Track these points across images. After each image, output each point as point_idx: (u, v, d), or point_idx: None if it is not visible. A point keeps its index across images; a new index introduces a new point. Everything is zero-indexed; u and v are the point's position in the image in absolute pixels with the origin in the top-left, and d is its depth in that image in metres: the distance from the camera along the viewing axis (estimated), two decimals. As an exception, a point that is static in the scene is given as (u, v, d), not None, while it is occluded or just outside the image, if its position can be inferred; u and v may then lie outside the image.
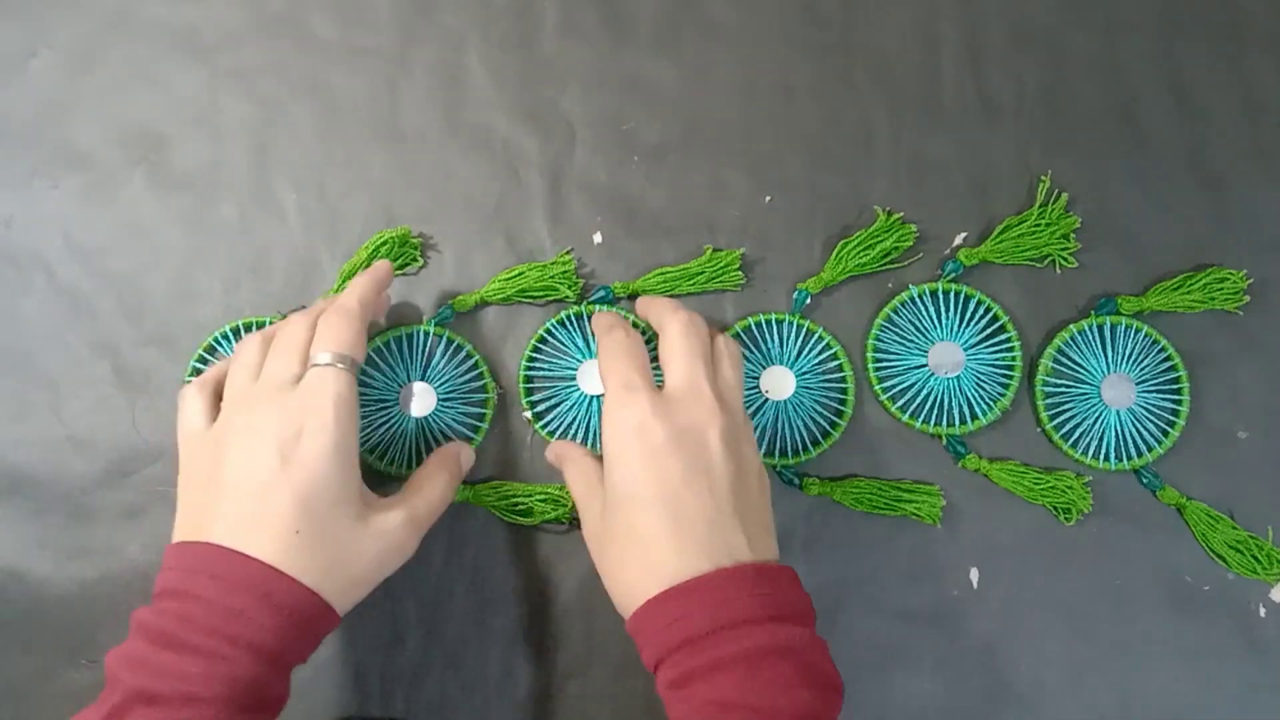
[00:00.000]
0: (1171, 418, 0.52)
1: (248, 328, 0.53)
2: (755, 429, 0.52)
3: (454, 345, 0.52)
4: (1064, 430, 0.52)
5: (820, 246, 0.54)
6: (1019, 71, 0.55)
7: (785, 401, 0.52)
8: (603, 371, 0.46)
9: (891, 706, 0.51)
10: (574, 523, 0.50)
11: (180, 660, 0.38)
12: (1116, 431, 0.52)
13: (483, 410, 0.52)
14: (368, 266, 0.52)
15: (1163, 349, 0.52)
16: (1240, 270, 0.53)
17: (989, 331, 0.53)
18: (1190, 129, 0.55)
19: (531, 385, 0.52)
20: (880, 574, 0.51)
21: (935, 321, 0.53)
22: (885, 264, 0.53)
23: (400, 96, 0.55)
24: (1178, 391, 0.52)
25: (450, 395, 0.52)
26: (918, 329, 0.53)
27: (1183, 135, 0.55)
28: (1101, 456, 0.52)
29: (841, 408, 0.52)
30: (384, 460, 0.51)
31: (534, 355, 0.52)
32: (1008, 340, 0.52)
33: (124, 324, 0.53)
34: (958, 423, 0.52)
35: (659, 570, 0.41)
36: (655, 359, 0.48)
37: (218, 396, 0.46)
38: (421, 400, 0.52)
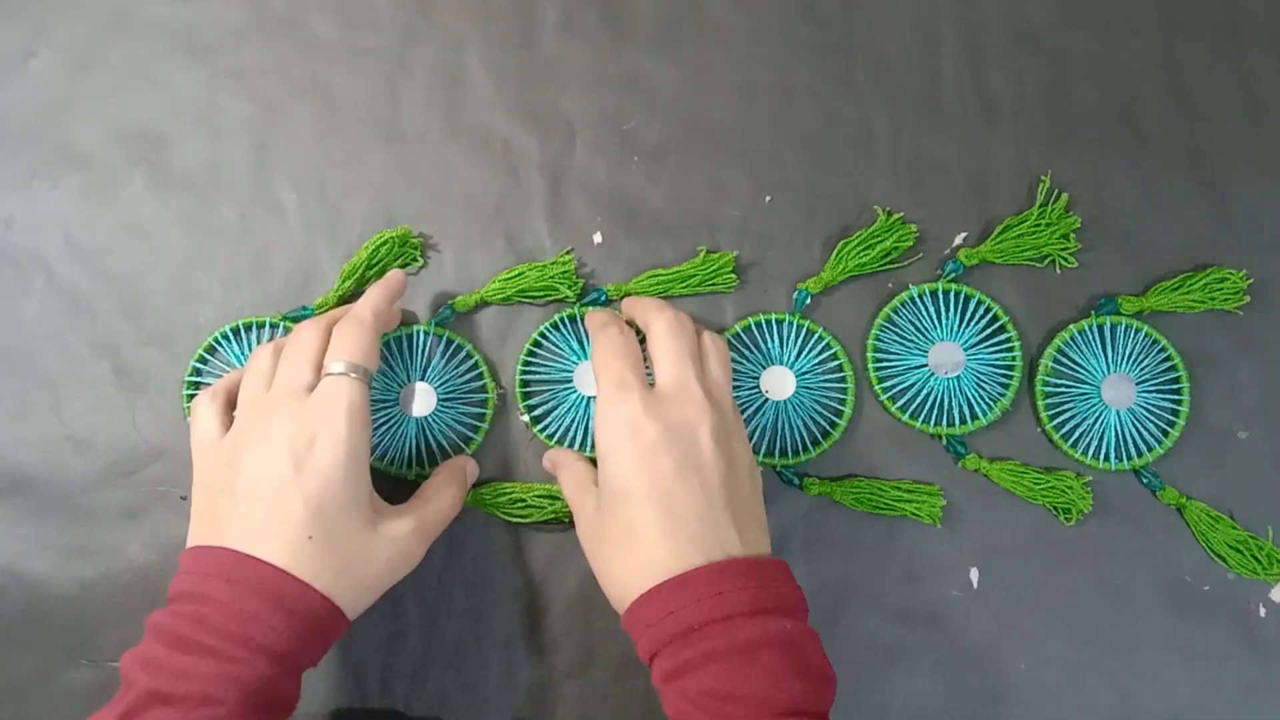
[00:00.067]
0: (1171, 418, 0.52)
1: (248, 328, 0.53)
2: (755, 429, 0.52)
3: (454, 345, 0.52)
4: (1064, 430, 0.52)
5: (820, 246, 0.54)
6: (1019, 71, 0.55)
7: (785, 401, 0.52)
8: (595, 369, 0.46)
9: (891, 706, 0.51)
10: (573, 521, 0.50)
11: (194, 662, 0.39)
12: (1116, 431, 0.52)
13: (483, 410, 0.52)
14: (369, 267, 0.52)
15: (1163, 349, 0.52)
16: (1240, 270, 0.53)
17: (989, 331, 0.53)
18: (1190, 129, 0.55)
19: (528, 390, 0.52)
20: (880, 574, 0.51)
21: (935, 321, 0.53)
22: (885, 264, 0.53)
23: (400, 96, 0.55)
24: (1178, 391, 0.52)
25: (450, 395, 0.52)
26: (918, 329, 0.53)
27: (1183, 135, 0.55)
28: (1101, 456, 0.52)
29: (841, 408, 0.52)
30: (384, 460, 0.51)
31: (529, 359, 0.52)
32: (1008, 340, 0.52)
33: (124, 324, 0.53)
34: (958, 423, 0.52)
35: (652, 565, 0.41)
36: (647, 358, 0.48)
37: (230, 405, 0.47)
38: (422, 400, 0.52)
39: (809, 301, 0.53)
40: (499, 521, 0.51)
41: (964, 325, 0.53)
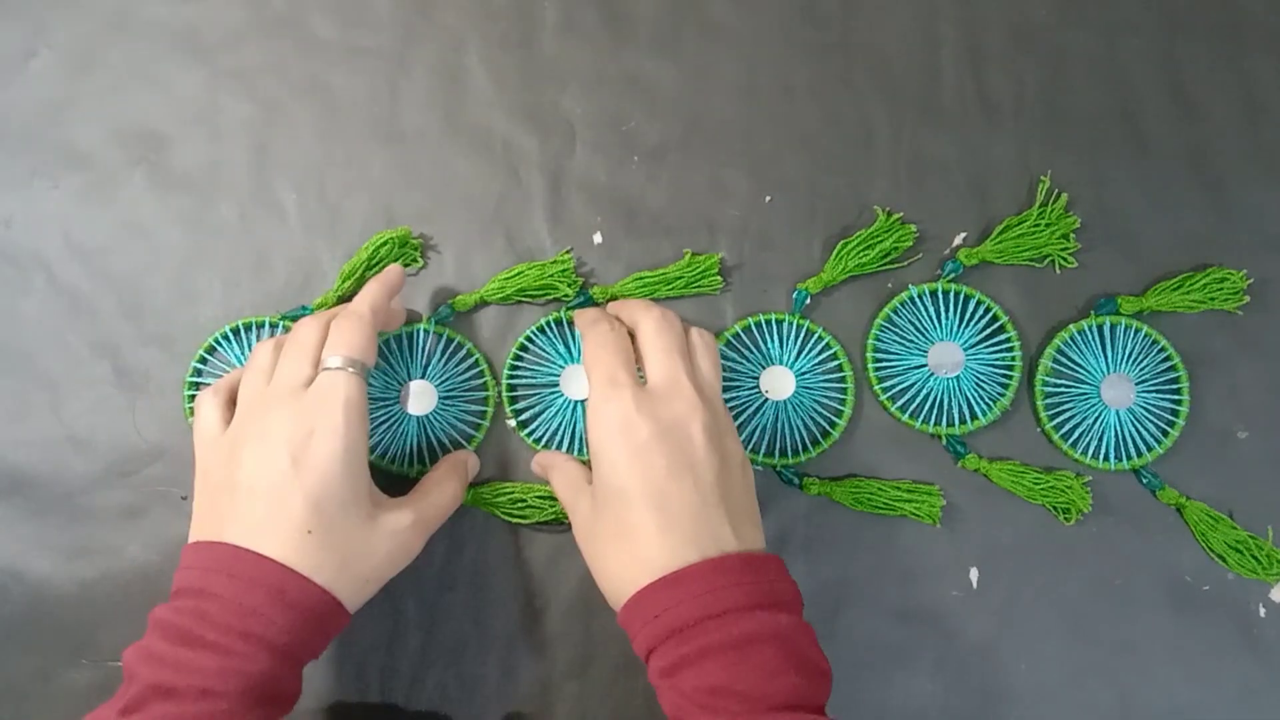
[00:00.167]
0: (1171, 418, 0.52)
1: (247, 328, 0.53)
2: (755, 429, 0.52)
3: (454, 344, 0.52)
4: (1064, 430, 0.52)
5: (820, 246, 0.54)
6: (1019, 71, 0.55)
7: (785, 401, 0.52)
8: (587, 366, 0.46)
9: (891, 706, 0.51)
10: (574, 522, 0.50)
11: (196, 656, 0.39)
12: (1116, 431, 0.52)
13: (483, 409, 0.52)
14: (368, 267, 0.52)
15: (1163, 349, 0.52)
16: (1240, 270, 0.53)
17: (989, 331, 0.53)
18: (1190, 129, 0.55)
19: (515, 394, 0.52)
20: (880, 574, 0.51)
21: (935, 321, 0.53)
22: (885, 264, 0.53)
23: (400, 96, 0.55)
24: (1178, 391, 0.52)
25: (450, 394, 0.52)
26: (917, 329, 0.53)
27: (1183, 135, 0.55)
28: (1101, 456, 0.52)
29: (841, 408, 0.52)
30: (384, 458, 0.51)
31: (516, 363, 0.52)
32: (1007, 340, 0.52)
33: (124, 324, 0.53)
34: (957, 423, 0.52)
35: (647, 563, 0.41)
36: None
37: (232, 401, 0.48)
38: (422, 399, 0.52)
39: (809, 301, 0.53)
40: (499, 521, 0.51)
41: (964, 325, 0.53)
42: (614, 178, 0.54)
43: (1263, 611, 0.51)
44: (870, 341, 0.52)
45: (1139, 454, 0.52)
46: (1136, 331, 0.52)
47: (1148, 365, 0.52)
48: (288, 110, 0.55)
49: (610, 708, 0.51)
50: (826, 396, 0.52)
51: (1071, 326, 0.52)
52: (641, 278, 0.53)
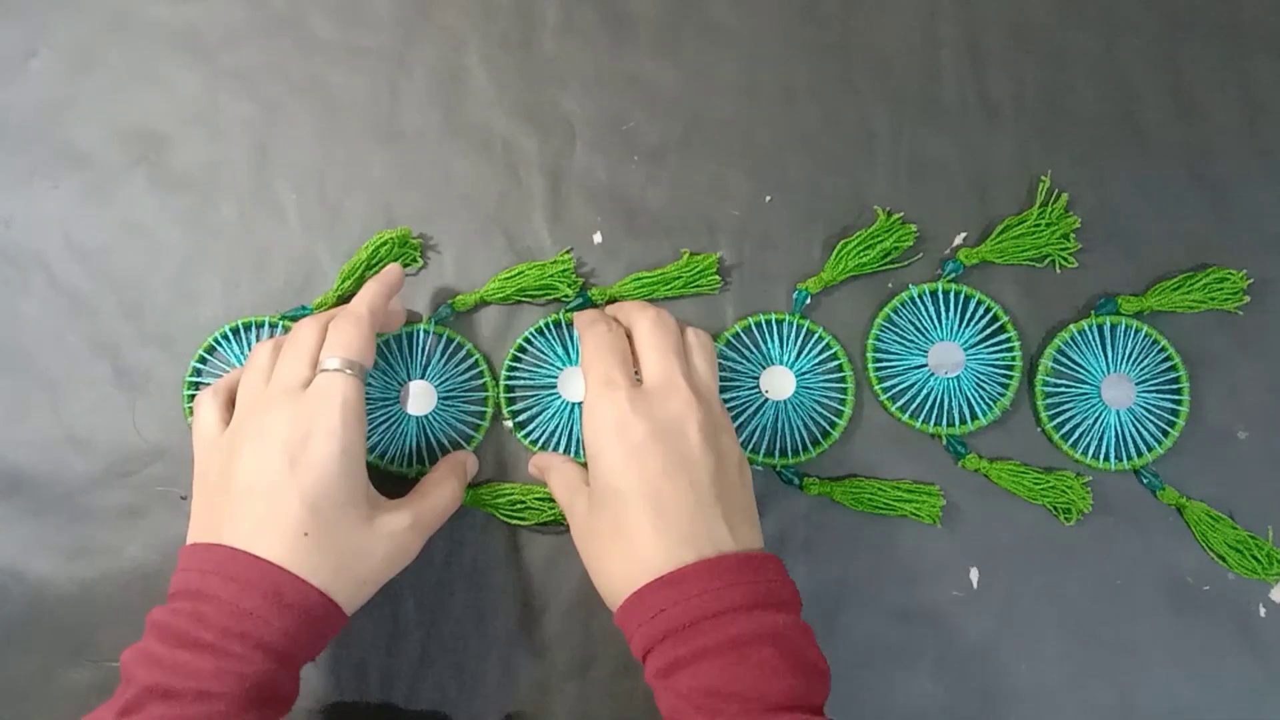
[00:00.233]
0: (1171, 418, 0.52)
1: (247, 328, 0.53)
2: (755, 429, 0.52)
3: (454, 344, 0.52)
4: (1064, 430, 0.52)
5: (820, 246, 0.54)
6: (1019, 71, 0.55)
7: (785, 401, 0.52)
8: (584, 366, 0.46)
9: (891, 706, 0.51)
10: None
11: (193, 658, 0.39)
12: (1116, 431, 0.52)
13: (483, 409, 0.52)
14: (368, 267, 0.52)
15: (1163, 349, 0.52)
16: (1240, 270, 0.53)
17: (989, 331, 0.53)
18: (1190, 129, 0.55)
19: (512, 395, 0.52)
20: (880, 574, 0.51)
21: (935, 321, 0.53)
22: (885, 264, 0.53)
23: (400, 96, 0.55)
24: (1178, 391, 0.52)
25: (450, 394, 0.52)
26: (918, 329, 0.53)
27: (1183, 135, 0.55)
28: (1101, 456, 0.52)
29: (841, 408, 0.52)
30: (384, 459, 0.51)
31: (514, 365, 0.52)
32: (1008, 340, 0.52)
33: (124, 324, 0.53)
34: (958, 423, 0.52)
35: (643, 563, 0.41)
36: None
37: (231, 402, 0.48)
38: (422, 399, 0.52)
39: (809, 301, 0.53)
40: (499, 522, 0.51)
41: (964, 325, 0.53)
42: (614, 178, 0.54)
43: (1263, 611, 0.51)
44: (870, 341, 0.52)
45: (1139, 454, 0.52)
46: (1136, 331, 0.52)
47: (1148, 365, 0.52)
48: (288, 110, 0.55)
49: (610, 708, 0.51)
50: (826, 396, 0.52)
51: (1071, 326, 0.52)
52: (640, 278, 0.53)
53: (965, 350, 0.52)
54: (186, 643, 0.39)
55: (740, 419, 0.52)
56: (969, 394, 0.52)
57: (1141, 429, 0.52)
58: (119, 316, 0.53)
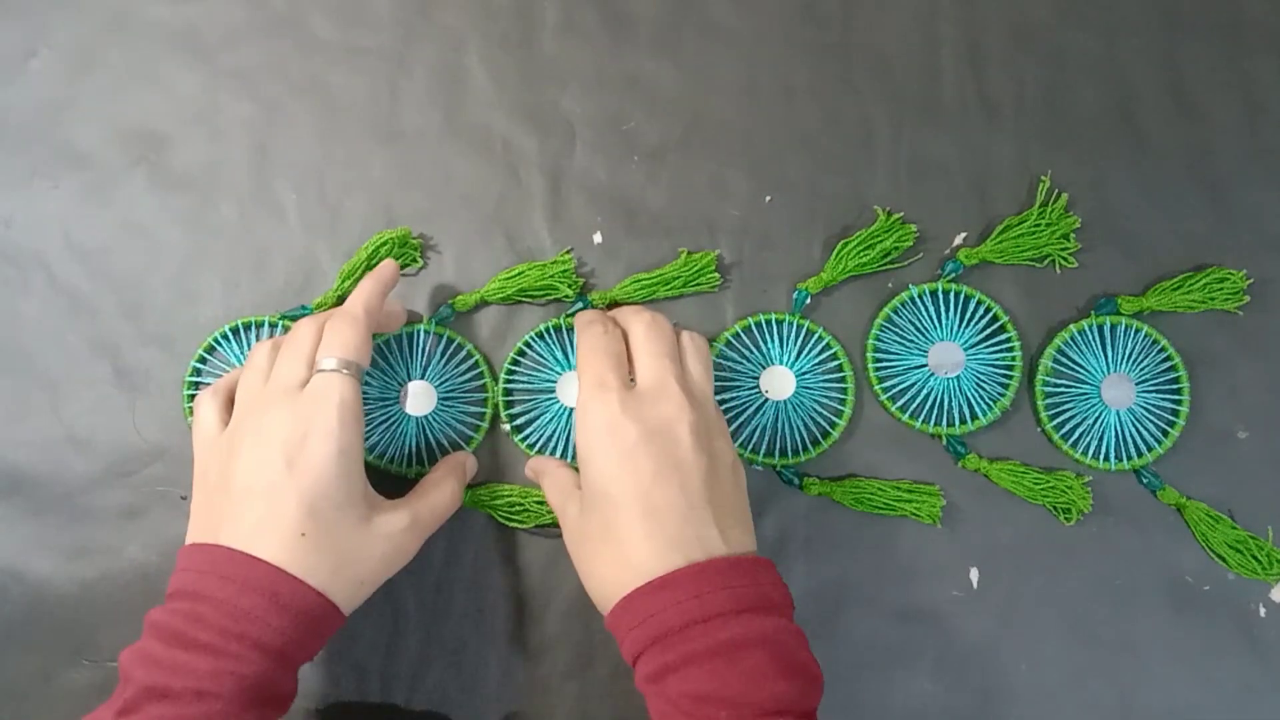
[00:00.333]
0: (1171, 418, 0.52)
1: (247, 327, 0.53)
2: (755, 429, 0.52)
3: (454, 344, 0.52)
4: (1064, 430, 0.52)
5: (820, 246, 0.54)
6: (1019, 71, 0.55)
7: (785, 401, 0.52)
8: (579, 367, 0.46)
9: (891, 706, 0.51)
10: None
11: (191, 658, 0.39)
12: (1116, 431, 0.52)
13: (483, 409, 0.52)
14: (368, 267, 0.52)
15: (1163, 349, 0.52)
16: (1240, 270, 0.53)
17: (989, 331, 0.53)
18: (1190, 129, 0.55)
19: (511, 399, 0.52)
20: (880, 574, 0.51)
21: (935, 321, 0.53)
22: (885, 264, 0.53)
23: (400, 96, 0.55)
24: (1178, 391, 0.52)
25: (450, 395, 0.52)
26: (918, 329, 0.53)
27: (1183, 135, 0.55)
28: (1101, 456, 0.52)
29: (841, 408, 0.52)
30: (383, 459, 0.51)
31: (513, 368, 0.52)
32: (1008, 340, 0.52)
33: (124, 324, 0.53)
34: (958, 423, 0.52)
35: (633, 567, 0.41)
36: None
37: (231, 402, 0.48)
38: (421, 399, 0.52)
39: (809, 301, 0.53)
40: (499, 522, 0.51)
41: (964, 325, 0.53)
42: (614, 178, 0.54)
43: (1263, 611, 0.51)
44: (870, 341, 0.52)
45: (1139, 454, 0.52)
46: (1136, 331, 0.52)
47: (1148, 365, 0.52)
48: (288, 110, 0.55)
49: (610, 708, 0.51)
50: (826, 396, 0.52)
51: (1072, 326, 0.52)
52: (639, 279, 0.53)
53: (965, 350, 0.52)
54: (184, 643, 0.39)
55: (740, 419, 0.52)
56: (969, 394, 0.52)
57: (1141, 429, 0.52)
58: (119, 316, 0.53)
